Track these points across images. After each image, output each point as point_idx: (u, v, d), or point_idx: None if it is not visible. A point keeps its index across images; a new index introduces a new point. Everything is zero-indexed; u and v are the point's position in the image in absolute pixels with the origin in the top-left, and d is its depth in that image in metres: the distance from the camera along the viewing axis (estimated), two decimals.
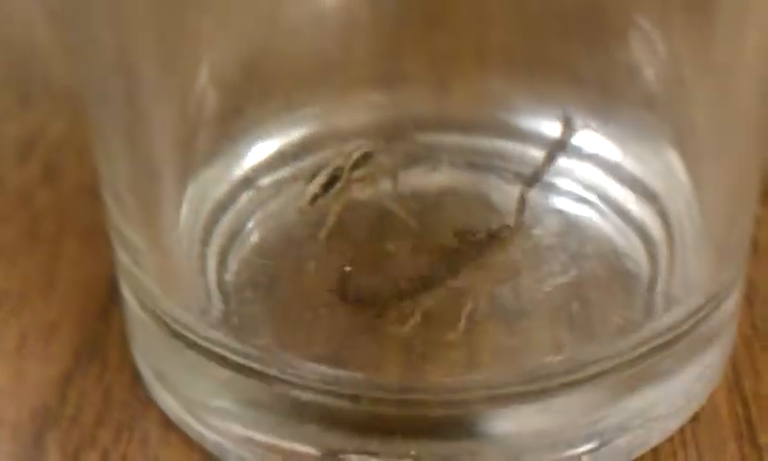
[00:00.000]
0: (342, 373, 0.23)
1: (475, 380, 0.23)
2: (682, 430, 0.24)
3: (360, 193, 0.27)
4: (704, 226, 0.25)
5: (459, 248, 0.24)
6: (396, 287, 0.24)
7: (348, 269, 0.24)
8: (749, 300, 0.27)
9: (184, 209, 0.26)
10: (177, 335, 0.24)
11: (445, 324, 0.24)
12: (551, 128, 0.28)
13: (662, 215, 0.26)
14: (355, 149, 0.27)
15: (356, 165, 0.27)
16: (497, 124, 0.28)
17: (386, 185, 0.27)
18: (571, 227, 0.26)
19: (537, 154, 0.28)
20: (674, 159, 0.26)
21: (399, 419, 0.23)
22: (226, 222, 0.26)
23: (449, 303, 0.24)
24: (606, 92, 0.27)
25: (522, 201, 0.25)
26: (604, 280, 0.25)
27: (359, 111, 0.29)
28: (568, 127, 0.25)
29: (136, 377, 0.25)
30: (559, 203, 0.27)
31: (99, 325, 0.27)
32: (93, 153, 0.25)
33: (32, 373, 0.26)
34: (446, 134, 0.28)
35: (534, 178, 0.25)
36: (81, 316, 0.27)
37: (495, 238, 0.24)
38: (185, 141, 0.26)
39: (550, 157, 0.25)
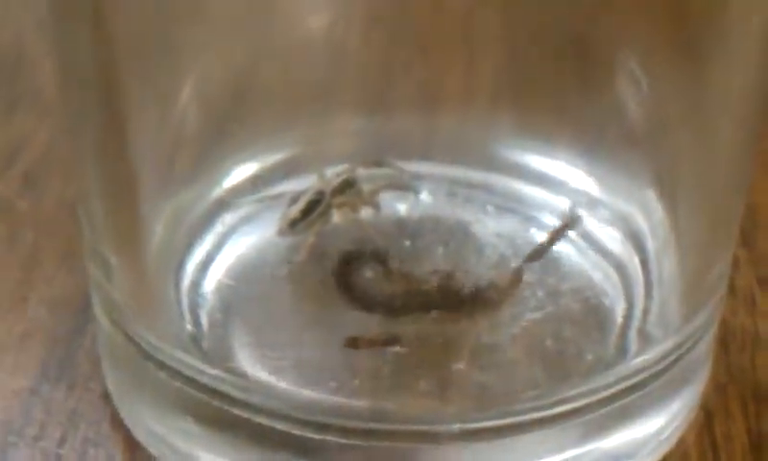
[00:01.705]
0: (310, 398, 0.23)
1: (446, 413, 0.23)
2: None
3: (340, 219, 0.27)
4: (681, 266, 0.25)
5: (440, 292, 0.24)
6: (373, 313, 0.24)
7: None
8: (724, 345, 0.26)
9: (160, 229, 0.25)
10: (146, 355, 0.24)
11: (420, 355, 0.24)
12: (534, 161, 0.28)
13: (641, 253, 0.26)
14: (337, 175, 0.27)
15: (337, 191, 0.27)
16: (481, 155, 0.28)
17: (366, 212, 0.27)
18: (549, 262, 0.26)
19: (519, 186, 0.28)
20: (654, 198, 0.26)
21: (368, 450, 0.23)
22: (202, 243, 0.26)
23: (425, 335, 0.24)
24: (589, 128, 0.27)
25: (519, 274, 0.25)
26: (579, 317, 0.25)
27: (342, 137, 0.29)
28: (573, 220, 0.25)
29: (105, 396, 0.25)
30: (538, 237, 0.27)
31: (71, 340, 0.26)
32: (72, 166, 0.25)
33: (0, 385, 0.25)
34: (429, 163, 0.28)
35: (533, 256, 0.25)
36: (53, 331, 0.27)
37: (482, 299, 0.24)
38: (163, 160, 0.26)
39: (551, 242, 0.25)
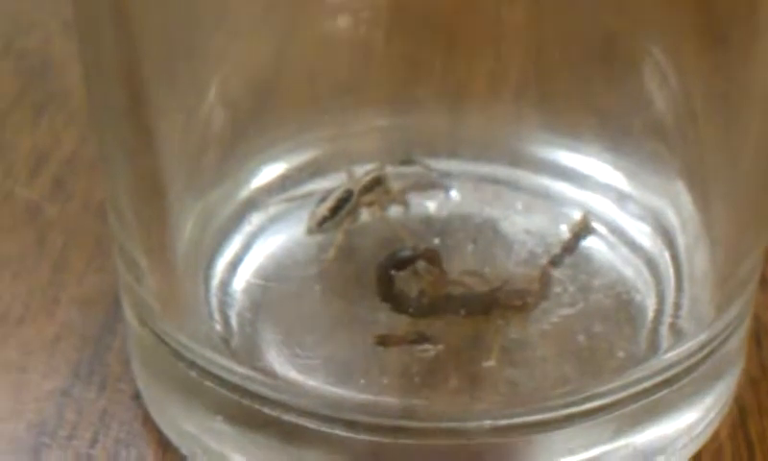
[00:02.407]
0: (340, 396, 0.23)
1: (476, 410, 0.23)
2: None
3: (369, 217, 0.27)
4: (712, 259, 0.25)
5: (471, 296, 0.24)
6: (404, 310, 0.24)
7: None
8: (757, 339, 0.26)
9: (189, 229, 0.25)
10: (176, 355, 0.24)
11: (450, 353, 0.24)
12: (562, 156, 0.28)
13: (671, 248, 0.26)
14: (366, 173, 0.27)
15: (366, 189, 0.27)
16: (508, 151, 0.28)
17: (395, 210, 0.27)
18: (580, 258, 0.26)
19: (547, 182, 0.28)
20: (684, 192, 0.26)
21: (397, 448, 0.22)
22: (231, 242, 0.26)
23: (455, 333, 0.24)
24: (617, 122, 0.27)
25: (546, 277, 0.25)
26: (611, 313, 0.25)
27: (369, 135, 0.28)
28: (586, 228, 0.26)
29: (136, 396, 0.25)
30: (567, 233, 0.27)
31: (102, 341, 0.26)
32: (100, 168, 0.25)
33: (32, 387, 0.26)
34: (457, 160, 0.28)
35: (556, 260, 0.25)
36: (83, 332, 0.27)
37: (513, 305, 0.24)
38: (191, 160, 0.26)
39: (569, 248, 0.26)
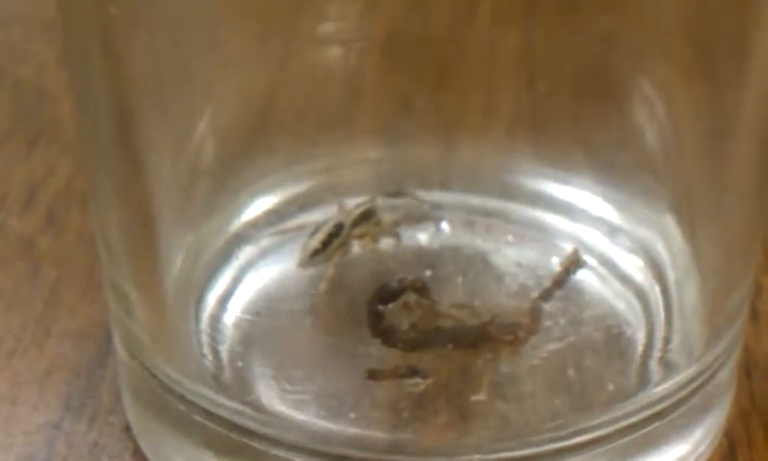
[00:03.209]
0: (329, 430, 0.23)
1: (466, 444, 0.23)
2: None
3: (360, 250, 0.27)
4: (701, 293, 0.25)
5: (462, 329, 0.24)
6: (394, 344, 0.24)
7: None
8: (747, 371, 0.26)
9: (179, 262, 0.25)
10: (166, 388, 0.24)
11: (440, 387, 0.24)
12: (553, 189, 0.28)
13: (661, 281, 0.26)
14: (356, 206, 0.27)
15: (357, 222, 0.27)
16: (500, 184, 0.28)
17: (386, 242, 0.27)
18: (571, 291, 0.26)
19: (538, 215, 0.28)
20: (673, 225, 0.26)
21: None
22: (221, 276, 0.26)
23: (445, 367, 0.24)
24: (608, 156, 0.27)
25: (537, 310, 0.25)
26: (601, 346, 0.25)
27: (360, 168, 0.29)
28: (576, 262, 0.26)
29: (126, 429, 0.25)
30: (558, 266, 0.27)
31: (93, 374, 0.26)
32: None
33: (22, 419, 0.26)
34: (449, 192, 0.28)
35: (546, 293, 0.25)
36: (75, 365, 0.27)
37: (506, 343, 0.24)
38: (181, 193, 0.26)
39: (560, 282, 0.25)
